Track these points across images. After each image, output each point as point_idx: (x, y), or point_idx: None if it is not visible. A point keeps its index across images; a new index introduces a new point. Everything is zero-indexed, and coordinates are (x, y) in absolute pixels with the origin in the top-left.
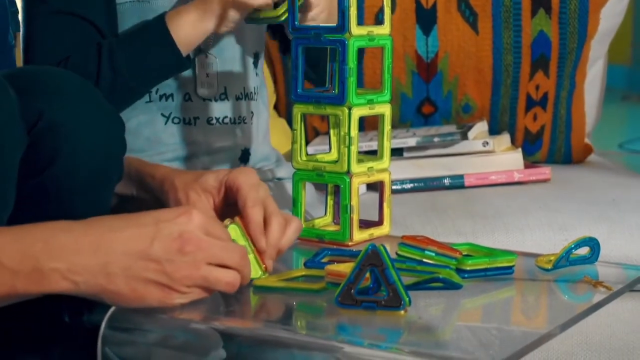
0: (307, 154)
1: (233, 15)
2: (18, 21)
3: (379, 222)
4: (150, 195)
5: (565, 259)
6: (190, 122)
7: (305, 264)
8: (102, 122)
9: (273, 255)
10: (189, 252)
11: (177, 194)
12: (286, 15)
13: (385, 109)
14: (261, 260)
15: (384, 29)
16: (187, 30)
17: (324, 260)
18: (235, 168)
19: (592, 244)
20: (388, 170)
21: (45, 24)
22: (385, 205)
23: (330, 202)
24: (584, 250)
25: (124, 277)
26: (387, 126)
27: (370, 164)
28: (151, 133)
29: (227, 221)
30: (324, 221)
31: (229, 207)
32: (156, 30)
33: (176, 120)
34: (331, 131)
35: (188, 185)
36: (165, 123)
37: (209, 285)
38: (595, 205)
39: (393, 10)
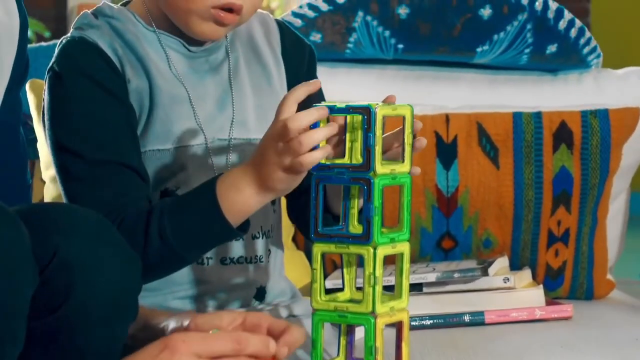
0: (326, 294)
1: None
2: (36, 149)
3: None
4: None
5: None
6: (203, 262)
7: None
8: (117, 262)
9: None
10: None
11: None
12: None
13: (404, 248)
14: None
15: (404, 167)
16: (239, 207)
17: None
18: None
19: None
20: (406, 309)
21: (85, 177)
22: (403, 344)
23: (342, 342)
24: None
25: None
26: (406, 265)
27: (391, 304)
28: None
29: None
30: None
31: None
32: (206, 201)
33: None
34: (345, 270)
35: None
36: None
37: None
38: (618, 346)
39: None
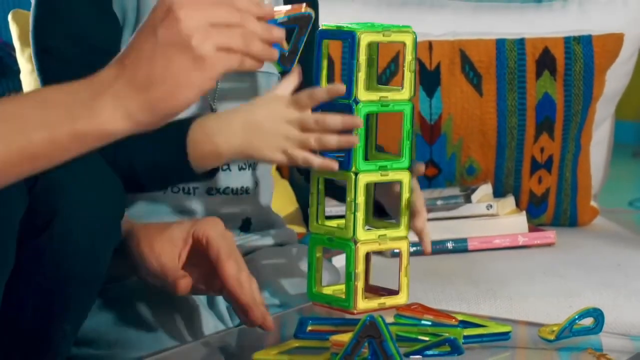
0: (324, 218)
1: None
2: (19, 80)
3: (396, 292)
4: None
5: (569, 330)
6: (189, 191)
7: (295, 335)
8: (101, 184)
9: (262, 309)
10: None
11: (139, 245)
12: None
13: (403, 176)
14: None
15: (402, 94)
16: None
17: (309, 329)
18: (201, 218)
19: (596, 314)
20: (406, 238)
21: (63, 73)
22: (402, 274)
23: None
24: (588, 321)
25: (159, 74)
26: (406, 194)
27: (382, 232)
28: (148, 200)
29: None
30: (338, 287)
31: (196, 257)
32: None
33: (175, 190)
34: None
35: (152, 237)
36: (164, 192)
37: (226, 42)
38: (601, 270)
39: (397, 72)
